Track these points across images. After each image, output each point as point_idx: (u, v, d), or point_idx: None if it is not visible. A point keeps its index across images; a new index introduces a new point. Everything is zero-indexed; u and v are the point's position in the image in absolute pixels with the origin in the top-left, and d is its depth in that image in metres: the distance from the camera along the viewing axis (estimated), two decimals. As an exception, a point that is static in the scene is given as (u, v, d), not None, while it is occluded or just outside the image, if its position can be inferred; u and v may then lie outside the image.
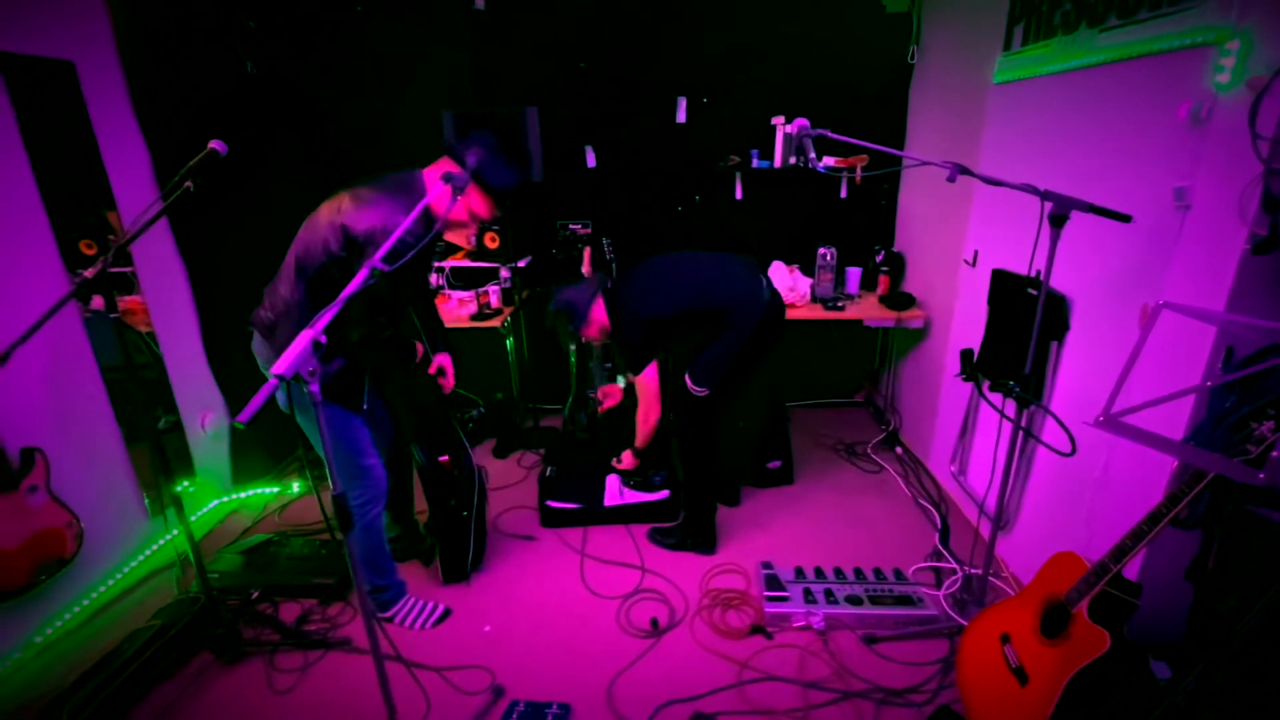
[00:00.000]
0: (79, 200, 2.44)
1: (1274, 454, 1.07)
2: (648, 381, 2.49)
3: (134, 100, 2.57)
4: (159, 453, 2.01)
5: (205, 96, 2.87)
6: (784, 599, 2.25)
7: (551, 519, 2.83)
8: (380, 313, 1.96)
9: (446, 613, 2.32)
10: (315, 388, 1.14)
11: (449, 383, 2.30)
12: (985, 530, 2.23)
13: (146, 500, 2.60)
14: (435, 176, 1.83)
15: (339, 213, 1.77)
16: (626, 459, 2.89)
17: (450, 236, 2.00)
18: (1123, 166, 1.90)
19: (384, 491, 2.16)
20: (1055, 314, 2.16)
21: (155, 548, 2.61)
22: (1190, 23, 1.64)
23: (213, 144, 1.71)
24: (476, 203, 1.90)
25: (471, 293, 3.52)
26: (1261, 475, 1.07)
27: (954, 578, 2.42)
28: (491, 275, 3.62)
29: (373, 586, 2.24)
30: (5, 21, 2.12)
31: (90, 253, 2.42)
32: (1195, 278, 1.64)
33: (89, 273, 1.62)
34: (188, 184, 1.69)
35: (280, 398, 1.99)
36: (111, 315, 1.76)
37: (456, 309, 3.47)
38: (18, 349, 1.52)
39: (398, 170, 1.91)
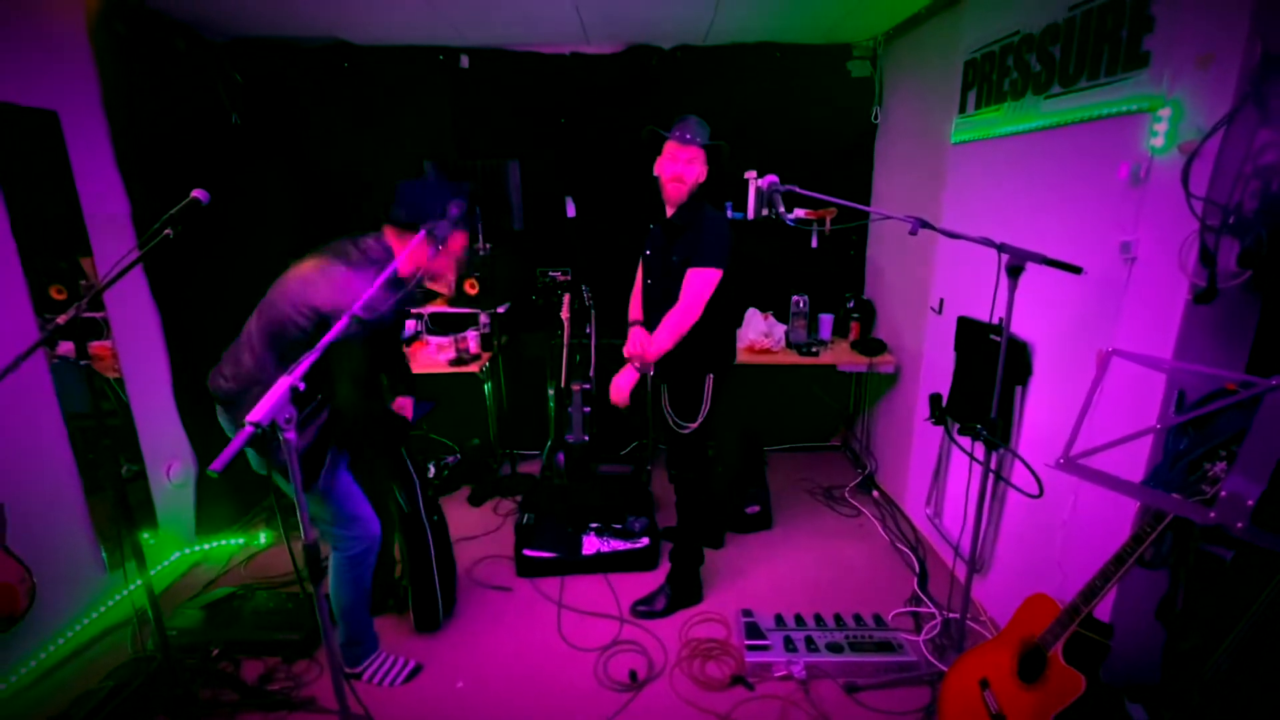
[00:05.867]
0: (54, 245, 2.43)
1: (1223, 493, 1.11)
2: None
3: (116, 149, 2.59)
4: (122, 502, 1.95)
5: (190, 146, 2.91)
6: (765, 648, 2.22)
7: (528, 568, 2.78)
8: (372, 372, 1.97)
9: (418, 669, 2.23)
10: (291, 435, 1.14)
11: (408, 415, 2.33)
12: (961, 573, 2.25)
13: (104, 552, 2.49)
14: (396, 241, 1.88)
15: (306, 291, 1.79)
16: (626, 376, 2.35)
17: (433, 285, 2.04)
18: (1074, 221, 2.02)
19: (378, 540, 2.12)
20: (1018, 359, 2.23)
21: (112, 603, 2.50)
22: (1126, 92, 1.78)
23: (195, 193, 1.73)
24: (456, 241, 1.93)
25: (450, 338, 3.52)
26: (1213, 514, 1.11)
27: (933, 622, 2.41)
28: (471, 321, 3.63)
29: (347, 640, 2.17)
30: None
31: (60, 298, 2.39)
32: (1145, 325, 1.73)
33: (61, 319, 1.60)
34: (167, 231, 1.70)
35: (254, 460, 1.97)
36: (82, 362, 1.73)
37: (435, 354, 3.46)
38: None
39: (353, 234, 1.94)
